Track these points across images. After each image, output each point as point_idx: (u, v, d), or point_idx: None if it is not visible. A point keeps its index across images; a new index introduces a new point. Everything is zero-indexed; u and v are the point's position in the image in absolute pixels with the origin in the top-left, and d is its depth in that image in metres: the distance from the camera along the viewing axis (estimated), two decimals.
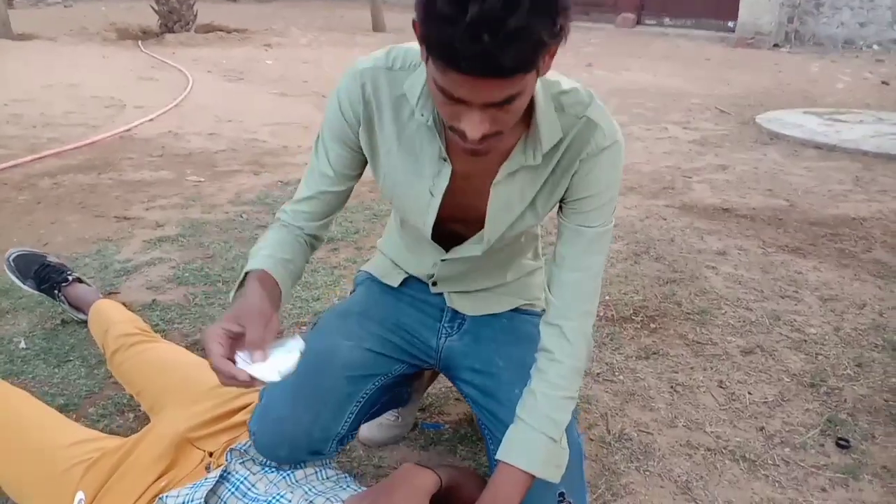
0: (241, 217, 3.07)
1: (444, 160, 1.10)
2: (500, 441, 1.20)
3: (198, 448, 1.24)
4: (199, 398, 1.33)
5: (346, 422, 1.22)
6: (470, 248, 1.23)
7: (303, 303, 2.29)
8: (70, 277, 2.02)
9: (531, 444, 1.11)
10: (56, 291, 2.01)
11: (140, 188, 3.41)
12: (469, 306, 1.36)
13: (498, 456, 1.12)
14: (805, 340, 2.20)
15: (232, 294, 1.14)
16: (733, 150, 4.63)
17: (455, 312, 1.38)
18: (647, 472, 1.57)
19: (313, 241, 1.23)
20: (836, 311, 2.41)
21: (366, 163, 1.19)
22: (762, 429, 1.75)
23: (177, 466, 1.22)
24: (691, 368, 2.01)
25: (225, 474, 1.15)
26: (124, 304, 2.19)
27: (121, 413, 1.71)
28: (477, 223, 1.18)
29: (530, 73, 0.87)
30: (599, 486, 1.51)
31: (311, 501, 1.09)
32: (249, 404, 1.32)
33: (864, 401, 1.88)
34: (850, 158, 4.45)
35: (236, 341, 0.96)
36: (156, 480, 1.20)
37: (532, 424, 1.12)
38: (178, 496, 1.12)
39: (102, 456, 1.24)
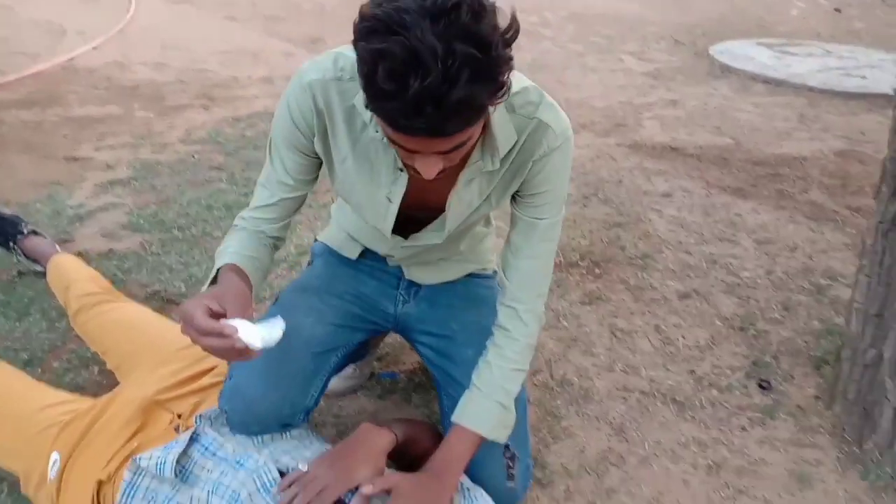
0: (193, 157, 3.05)
1: (401, 170, 1.12)
2: (453, 396, 1.31)
3: (167, 410, 1.31)
4: (167, 360, 1.39)
5: (312, 395, 1.30)
6: (429, 237, 1.29)
7: None
8: (25, 230, 2.03)
9: (484, 410, 1.22)
10: (11, 244, 2.01)
11: (88, 125, 3.33)
12: (426, 276, 1.44)
13: (453, 419, 1.23)
14: (738, 284, 2.35)
15: (205, 289, 1.15)
16: (685, 84, 4.70)
17: (412, 281, 1.45)
18: (586, 415, 1.71)
19: (276, 242, 1.27)
20: (770, 254, 2.56)
21: (322, 164, 1.21)
22: (692, 372, 1.90)
23: (147, 428, 1.29)
24: (631, 313, 2.14)
25: (195, 436, 1.23)
26: (79, 253, 2.21)
27: (85, 367, 1.76)
28: (435, 210, 1.22)
29: (477, 124, 0.91)
30: (541, 429, 1.64)
31: (277, 460, 1.19)
32: (215, 367, 1.39)
33: (787, 343, 2.04)
34: (796, 94, 4.56)
35: (216, 318, 0.98)
36: (127, 441, 1.27)
37: (486, 392, 1.23)
38: (150, 457, 1.19)
39: (74, 418, 1.30)
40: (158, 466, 1.17)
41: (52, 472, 1.26)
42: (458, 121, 0.86)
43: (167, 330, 1.52)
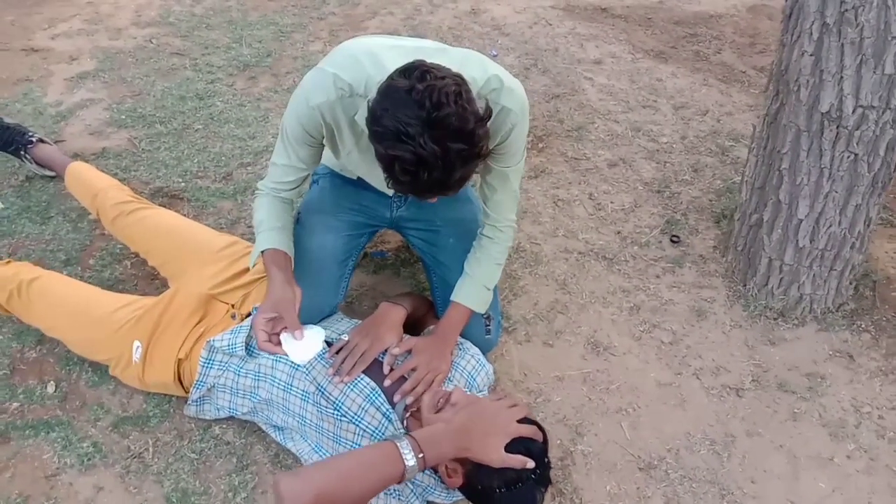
0: (152, 43, 3.15)
1: None
2: (440, 275, 1.74)
3: (221, 301, 1.67)
4: (210, 261, 1.72)
5: (341, 293, 1.69)
6: None
7: (241, 142, 2.59)
8: (34, 139, 2.22)
9: (475, 293, 1.64)
10: (23, 153, 2.22)
11: (32, 9, 3.33)
12: None
13: (453, 298, 1.64)
14: (658, 150, 2.76)
15: (253, 258, 1.55)
16: None
17: None
18: (537, 275, 2.15)
19: (293, 202, 1.62)
20: (685, 119, 2.96)
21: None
22: (619, 232, 2.34)
23: (208, 316, 1.65)
24: (569, 183, 2.54)
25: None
26: (76, 155, 2.43)
27: (118, 262, 2.07)
28: None
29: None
30: (504, 289, 2.08)
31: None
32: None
33: (695, 202, 2.50)
34: None
35: (277, 322, 1.42)
36: (194, 327, 1.64)
37: (477, 280, 1.64)
38: (222, 340, 1.57)
39: (145, 313, 1.65)
40: (230, 347, 1.56)
41: (136, 356, 1.63)
42: (457, 189, 1.22)
43: (203, 234, 1.84)
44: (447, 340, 1.60)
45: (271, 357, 1.54)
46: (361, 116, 1.35)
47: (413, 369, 1.51)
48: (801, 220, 1.91)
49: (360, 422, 1.43)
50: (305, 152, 1.51)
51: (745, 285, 2.13)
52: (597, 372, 1.87)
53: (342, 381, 1.46)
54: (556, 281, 2.14)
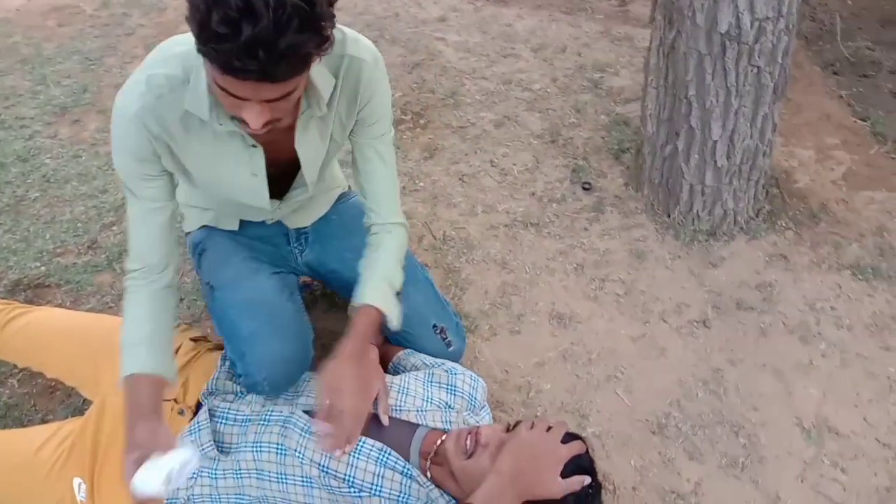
0: None
1: (253, 146, 1.22)
2: None
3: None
4: None
5: (310, 343, 1.47)
6: (299, 193, 1.43)
7: (92, 200, 2.22)
8: None
9: (381, 290, 1.37)
10: None
11: None
12: (305, 219, 1.59)
13: (360, 301, 1.36)
14: (535, 98, 2.70)
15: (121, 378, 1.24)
16: None
17: (297, 229, 1.60)
18: (474, 261, 2.04)
19: (173, 286, 1.32)
20: (548, 60, 2.92)
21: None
22: (533, 194, 2.27)
23: None
24: (466, 155, 2.42)
25: (210, 412, 1.37)
26: None
27: (2, 384, 1.71)
28: (293, 163, 1.33)
29: (303, 73, 1.01)
30: (449, 287, 1.95)
31: (295, 403, 1.38)
32: (177, 347, 1.48)
33: (590, 143, 2.48)
34: None
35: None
36: None
37: (378, 275, 1.39)
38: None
39: (75, 443, 1.35)
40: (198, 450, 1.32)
41: (80, 495, 1.34)
42: (286, 67, 0.94)
43: (104, 325, 1.53)
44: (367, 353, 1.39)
45: (249, 447, 1.32)
46: (194, 104, 1.13)
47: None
48: (715, 142, 1.93)
49: (380, 492, 1.26)
50: (154, 185, 1.23)
51: (669, 215, 2.14)
52: (572, 345, 1.80)
53: (344, 453, 1.28)
54: (496, 262, 2.04)
